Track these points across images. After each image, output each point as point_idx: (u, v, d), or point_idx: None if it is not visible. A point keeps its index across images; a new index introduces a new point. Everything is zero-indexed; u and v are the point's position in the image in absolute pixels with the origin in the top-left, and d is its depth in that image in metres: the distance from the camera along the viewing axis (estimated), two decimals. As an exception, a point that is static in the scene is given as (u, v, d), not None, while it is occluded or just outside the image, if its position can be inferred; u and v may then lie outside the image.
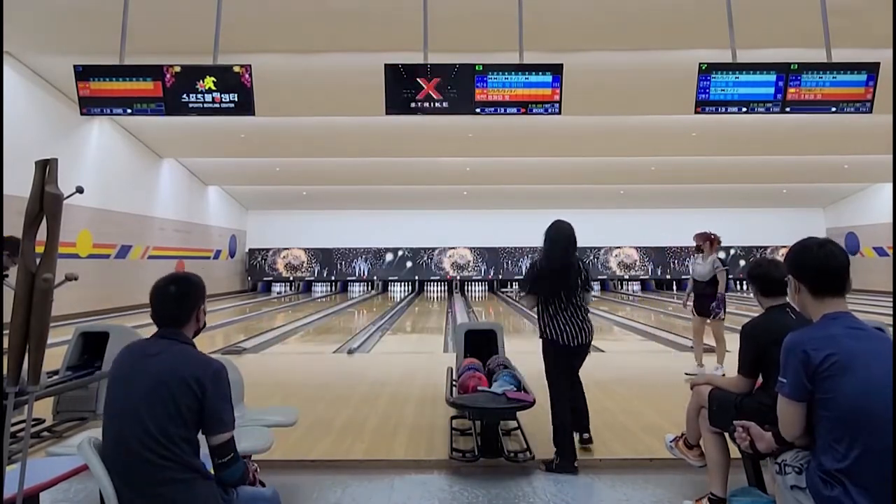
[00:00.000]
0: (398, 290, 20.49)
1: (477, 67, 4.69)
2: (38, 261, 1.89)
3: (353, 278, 20.71)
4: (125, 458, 1.63)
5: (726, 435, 2.48)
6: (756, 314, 2.56)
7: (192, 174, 16.64)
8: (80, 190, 2.12)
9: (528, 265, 2.83)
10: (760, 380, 2.42)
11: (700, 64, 4.75)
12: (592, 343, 3.35)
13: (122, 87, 4.77)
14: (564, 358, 3.25)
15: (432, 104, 4.61)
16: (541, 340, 3.32)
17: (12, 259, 4.90)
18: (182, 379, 1.67)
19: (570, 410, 3.20)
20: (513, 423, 3.60)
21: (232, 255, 19.60)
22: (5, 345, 1.85)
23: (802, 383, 1.65)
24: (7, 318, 1.86)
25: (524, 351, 6.46)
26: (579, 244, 3.31)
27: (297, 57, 8.77)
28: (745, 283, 20.18)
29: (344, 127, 12.04)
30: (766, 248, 20.22)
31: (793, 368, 1.68)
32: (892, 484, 1.50)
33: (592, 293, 3.41)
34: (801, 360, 1.65)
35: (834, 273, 1.74)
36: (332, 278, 20.76)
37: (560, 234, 3.28)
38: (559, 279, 3.25)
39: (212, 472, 1.74)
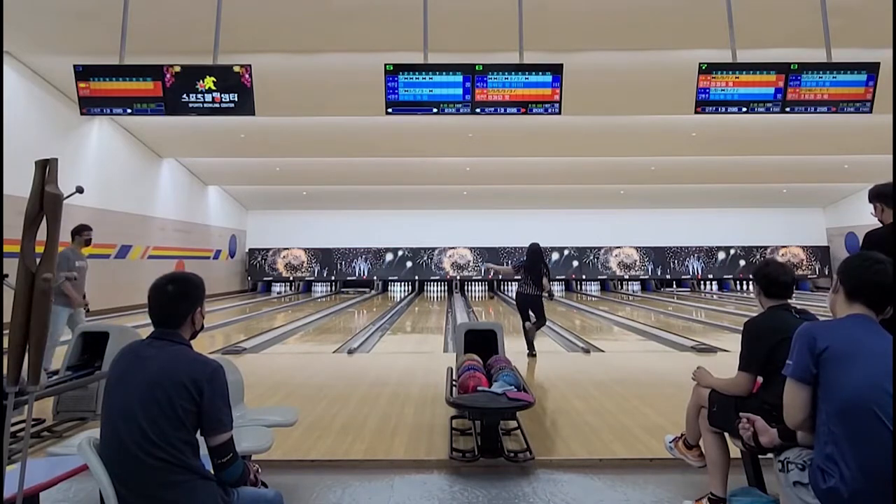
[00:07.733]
0: (398, 290, 20.49)
1: (477, 67, 4.70)
2: (38, 261, 1.89)
3: (353, 278, 20.70)
4: (123, 461, 1.62)
5: (726, 435, 2.48)
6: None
7: (192, 174, 16.64)
8: (80, 190, 2.12)
9: (517, 261, 6.95)
10: (759, 380, 2.41)
11: (700, 64, 4.76)
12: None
13: (122, 87, 4.78)
14: (521, 301, 6.62)
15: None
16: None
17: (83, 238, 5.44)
18: (178, 381, 1.66)
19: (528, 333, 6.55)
20: (513, 423, 3.60)
21: (232, 255, 19.59)
22: (5, 344, 1.84)
23: (807, 365, 1.72)
24: (7, 317, 1.86)
25: (524, 351, 6.48)
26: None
27: (297, 57, 8.76)
28: (743, 282, 20.22)
29: (344, 127, 12.03)
30: (766, 248, 20.21)
31: (799, 350, 1.76)
32: (892, 478, 1.51)
33: (550, 280, 6.70)
34: (807, 344, 1.74)
35: (886, 293, 1.79)
36: (332, 278, 20.76)
37: (530, 251, 6.64)
38: (527, 270, 6.57)
39: (212, 472, 1.74)
